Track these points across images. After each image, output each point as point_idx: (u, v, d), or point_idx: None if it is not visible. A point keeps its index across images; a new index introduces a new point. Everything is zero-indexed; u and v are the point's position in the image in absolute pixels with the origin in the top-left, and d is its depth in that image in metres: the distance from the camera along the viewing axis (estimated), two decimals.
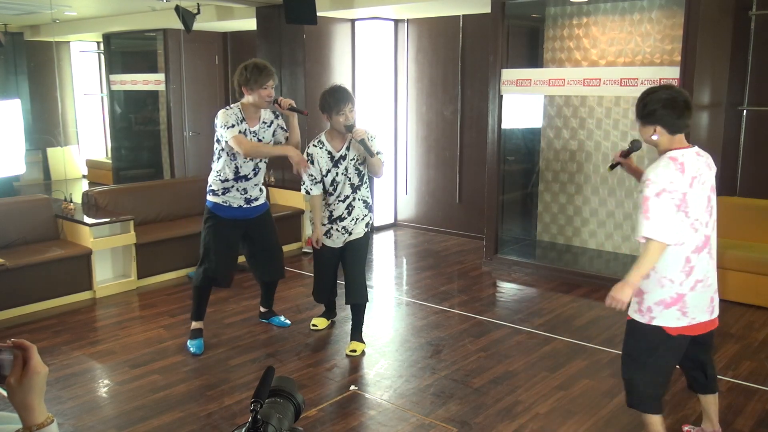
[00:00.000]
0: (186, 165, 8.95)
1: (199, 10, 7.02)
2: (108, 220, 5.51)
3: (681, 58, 5.04)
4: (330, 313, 4.82)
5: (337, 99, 4.05)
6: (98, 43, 10.23)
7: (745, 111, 5.53)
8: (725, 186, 5.67)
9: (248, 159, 4.21)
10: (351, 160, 4.18)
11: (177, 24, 7.07)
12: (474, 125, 7.21)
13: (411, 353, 4.34)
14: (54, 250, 5.26)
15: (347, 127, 4.05)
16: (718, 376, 3.93)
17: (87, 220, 5.48)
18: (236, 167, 4.22)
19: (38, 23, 9.50)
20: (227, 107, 4.22)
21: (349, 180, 4.20)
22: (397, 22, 7.68)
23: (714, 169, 2.86)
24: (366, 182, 4.29)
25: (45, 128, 9.87)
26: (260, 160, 4.31)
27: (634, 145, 3.07)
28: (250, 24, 7.76)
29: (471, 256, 6.64)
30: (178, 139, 8.91)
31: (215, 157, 4.32)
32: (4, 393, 1.23)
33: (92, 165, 10.79)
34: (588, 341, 4.47)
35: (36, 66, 9.78)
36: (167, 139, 8.99)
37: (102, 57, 10.14)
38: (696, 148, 2.83)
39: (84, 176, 10.77)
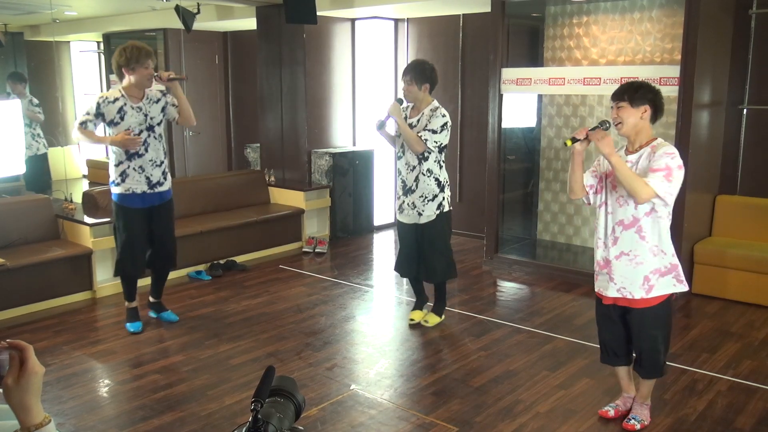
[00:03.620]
0: (186, 165, 8.96)
1: (199, 9, 7.02)
2: (108, 219, 5.49)
3: (681, 57, 5.04)
4: (421, 300, 4.87)
5: (404, 70, 4.46)
6: (98, 42, 10.22)
7: (745, 110, 5.53)
8: (726, 185, 5.67)
9: (132, 135, 4.32)
10: (418, 133, 4.36)
11: (177, 24, 7.07)
12: (474, 124, 7.21)
13: (412, 352, 4.34)
14: (54, 249, 5.26)
15: (398, 99, 4.47)
16: (719, 375, 3.94)
17: (87, 219, 5.48)
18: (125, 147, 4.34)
19: (38, 23, 9.49)
20: (105, 93, 4.38)
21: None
22: (397, 21, 7.68)
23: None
24: (437, 160, 4.42)
25: (45, 128, 9.84)
26: (149, 135, 4.38)
27: (603, 125, 3.07)
28: (250, 23, 7.76)
29: (471, 255, 6.64)
30: (178, 138, 8.91)
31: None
32: None
33: (93, 165, 10.77)
34: (588, 340, 4.47)
35: (36, 66, 9.77)
36: (167, 138, 8.95)
37: (102, 57, 10.14)
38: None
39: (84, 176, 10.76)
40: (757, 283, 5.06)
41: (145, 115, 4.35)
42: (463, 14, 7.12)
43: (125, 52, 4.24)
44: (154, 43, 9.03)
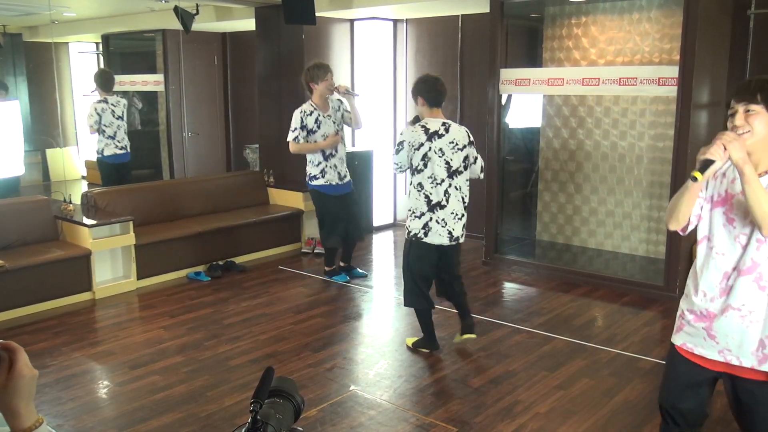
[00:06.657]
0: (185, 165, 8.95)
1: (197, 10, 7.01)
2: (107, 221, 5.51)
3: (680, 57, 5.04)
4: (464, 321, 4.37)
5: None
6: (97, 43, 10.21)
7: None
8: None
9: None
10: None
11: (176, 24, 7.07)
12: (473, 125, 7.20)
13: (411, 353, 4.34)
14: (53, 251, 5.25)
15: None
16: None
17: (86, 221, 5.48)
18: (322, 150, 5.46)
19: (37, 24, 9.49)
20: (302, 107, 5.45)
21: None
22: (396, 22, 7.68)
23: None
24: (412, 182, 4.14)
25: (44, 129, 9.86)
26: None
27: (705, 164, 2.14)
28: (249, 24, 7.76)
29: (470, 255, 6.63)
30: (177, 139, 8.91)
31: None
32: None
33: (91, 166, 10.76)
34: (588, 341, 4.47)
35: (35, 67, 9.77)
36: (166, 139, 8.99)
37: (101, 58, 10.13)
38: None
39: (83, 177, 10.76)
40: None
41: (334, 122, 5.50)
42: (462, 15, 7.12)
43: (310, 71, 5.40)
44: (153, 43, 9.04)
